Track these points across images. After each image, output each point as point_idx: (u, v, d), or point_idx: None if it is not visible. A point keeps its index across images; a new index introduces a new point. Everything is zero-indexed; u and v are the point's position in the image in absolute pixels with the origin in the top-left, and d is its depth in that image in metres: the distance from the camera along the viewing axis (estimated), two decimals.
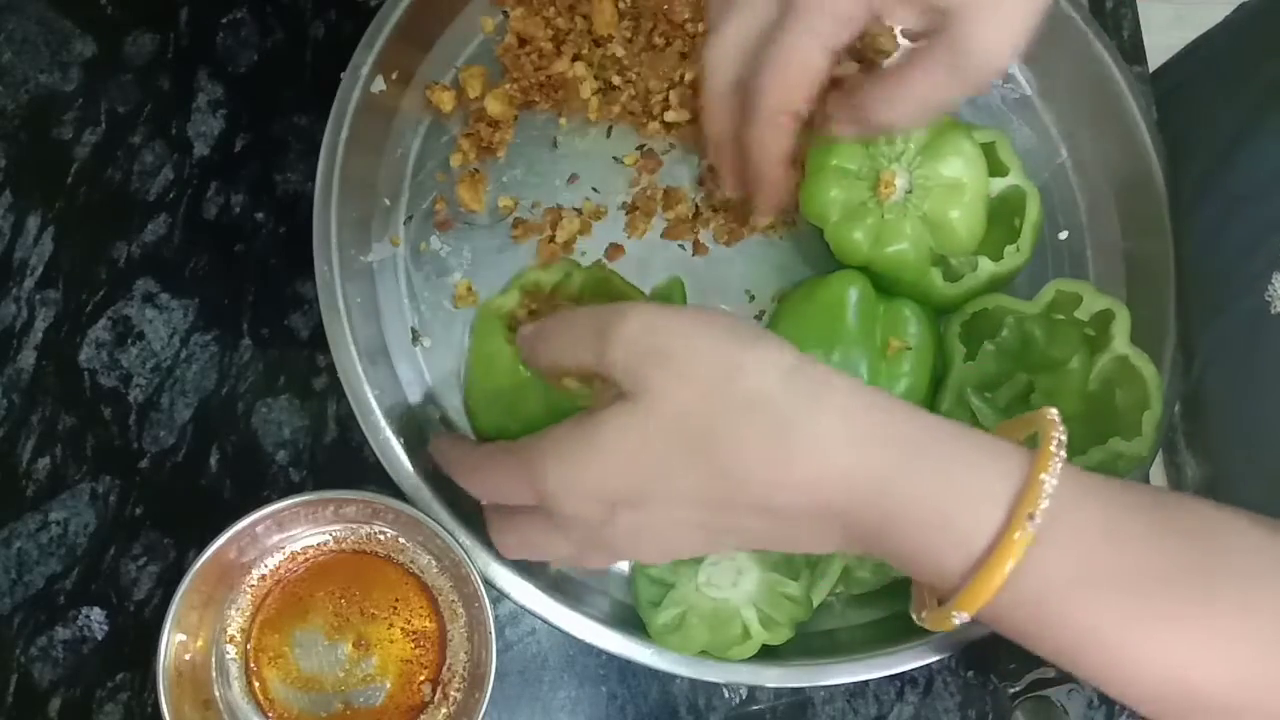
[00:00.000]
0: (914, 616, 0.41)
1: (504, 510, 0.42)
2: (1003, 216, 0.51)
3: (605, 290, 0.52)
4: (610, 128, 0.56)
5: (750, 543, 0.38)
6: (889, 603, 0.53)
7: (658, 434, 0.35)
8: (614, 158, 0.56)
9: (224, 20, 0.58)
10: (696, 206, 0.55)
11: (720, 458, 0.35)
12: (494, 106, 0.54)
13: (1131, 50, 0.61)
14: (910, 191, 0.49)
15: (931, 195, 0.49)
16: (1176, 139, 0.55)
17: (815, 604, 0.50)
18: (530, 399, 0.48)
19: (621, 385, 0.36)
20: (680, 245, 0.55)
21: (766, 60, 0.43)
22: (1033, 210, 0.51)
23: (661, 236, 0.55)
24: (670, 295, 0.54)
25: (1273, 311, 0.48)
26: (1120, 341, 0.50)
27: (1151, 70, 0.63)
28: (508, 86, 0.54)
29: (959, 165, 0.49)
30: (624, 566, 0.53)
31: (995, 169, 0.50)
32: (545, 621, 0.49)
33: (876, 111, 0.44)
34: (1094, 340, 0.52)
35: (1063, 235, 0.57)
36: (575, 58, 0.55)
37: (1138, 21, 0.62)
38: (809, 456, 0.35)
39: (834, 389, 0.36)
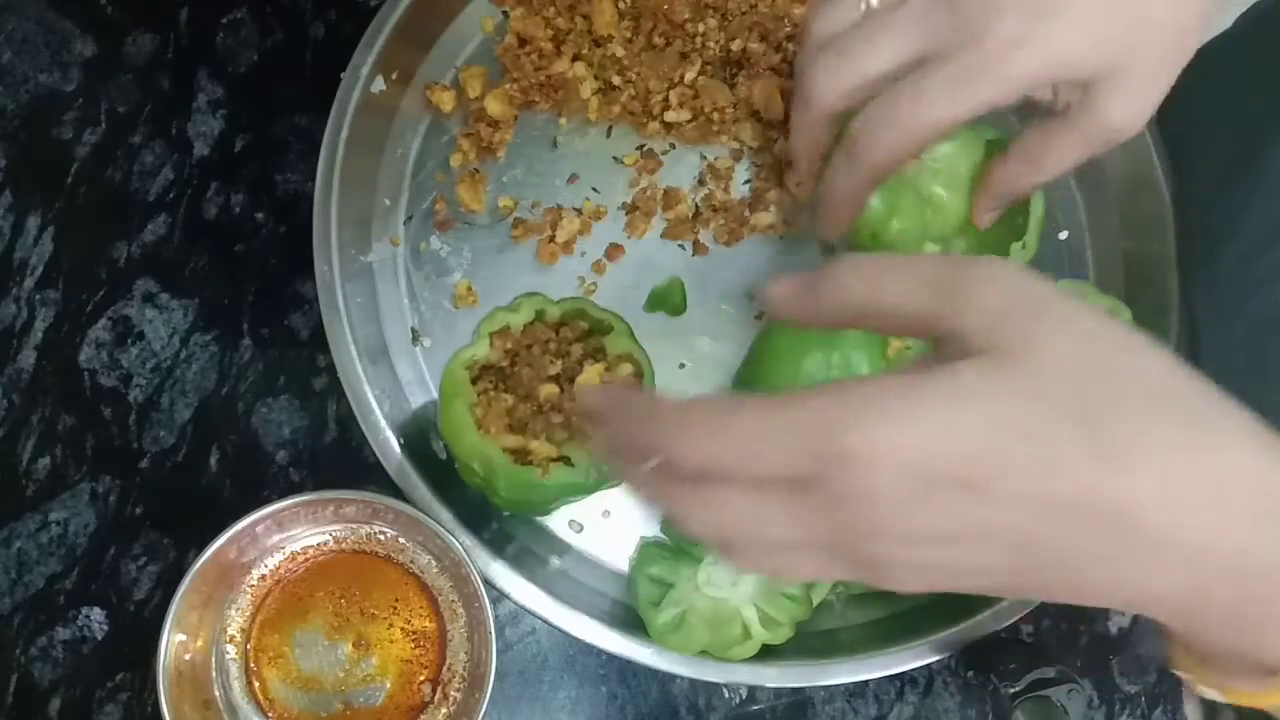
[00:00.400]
0: (1183, 674, 0.36)
1: (708, 482, 0.31)
2: (1007, 215, 0.51)
3: (583, 319, 0.52)
4: (610, 128, 0.56)
5: (1054, 585, 0.29)
6: (889, 603, 0.53)
7: (1042, 398, 0.27)
8: (614, 158, 0.56)
9: (224, 20, 0.58)
10: (696, 206, 0.55)
11: (1118, 437, 0.27)
12: (494, 106, 0.54)
13: None
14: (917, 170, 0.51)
15: (928, 173, 0.51)
16: (1184, 145, 0.55)
17: (815, 603, 0.50)
18: (495, 462, 0.47)
19: (981, 339, 0.29)
20: (680, 245, 0.55)
21: (901, 110, 0.40)
22: (1038, 207, 0.51)
23: (661, 237, 0.55)
24: (670, 295, 0.54)
25: None
26: None
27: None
28: (508, 86, 0.54)
29: (952, 146, 0.51)
30: (624, 566, 0.53)
31: None
32: (545, 621, 0.49)
33: (1020, 181, 0.46)
34: None
35: (1063, 235, 0.57)
36: (575, 58, 0.55)
37: None
38: (1229, 471, 0.27)
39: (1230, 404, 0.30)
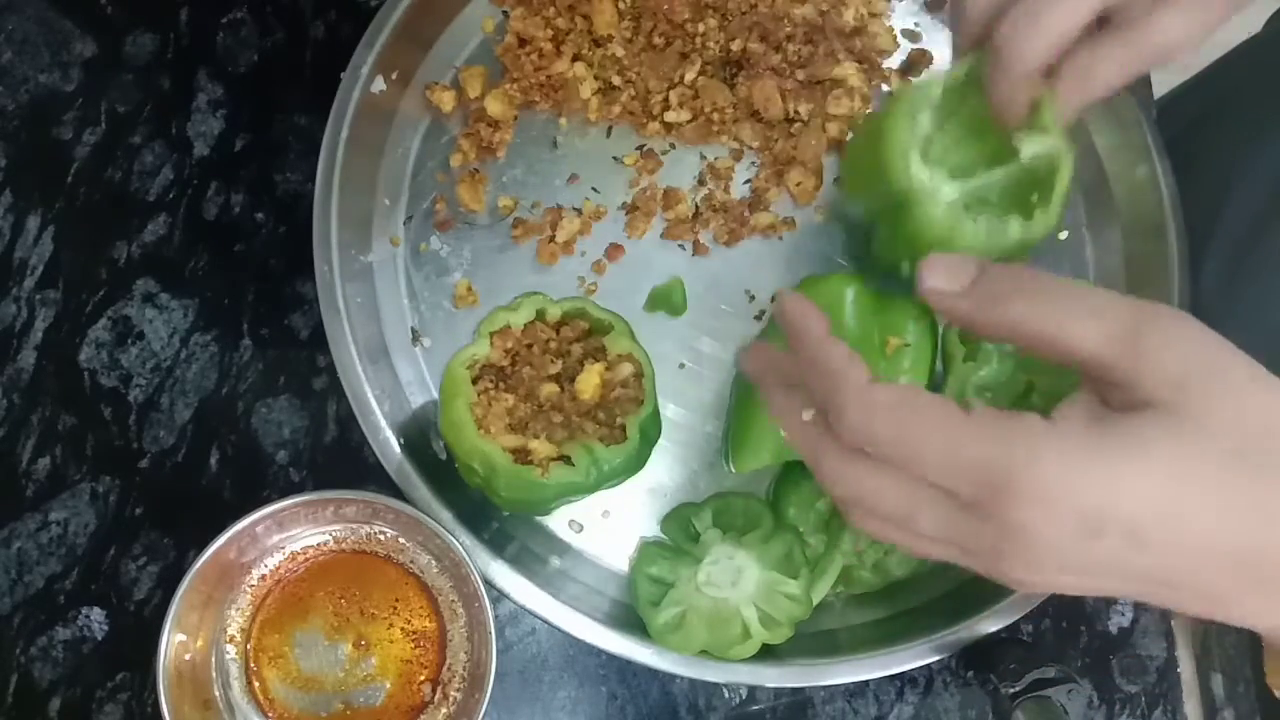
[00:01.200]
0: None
1: (862, 456, 0.33)
2: (1024, 187, 0.47)
3: (583, 319, 0.52)
4: (610, 128, 0.56)
5: (1189, 605, 0.31)
6: (889, 603, 0.53)
7: (1212, 461, 0.29)
8: (614, 158, 0.56)
9: (224, 20, 0.58)
10: (696, 206, 0.55)
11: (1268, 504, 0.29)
12: (494, 106, 0.54)
13: None
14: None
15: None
16: (1181, 145, 0.55)
17: (815, 603, 0.50)
18: (495, 461, 0.47)
19: (1152, 393, 0.30)
20: (680, 245, 0.55)
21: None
22: (1065, 174, 0.46)
23: (661, 237, 0.55)
24: (670, 295, 0.54)
25: None
26: None
27: (1157, 97, 0.63)
28: (508, 86, 0.54)
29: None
30: (624, 566, 0.53)
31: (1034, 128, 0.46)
32: (545, 621, 0.49)
33: (1070, 99, 0.42)
34: None
35: (1063, 235, 0.57)
36: (575, 58, 0.55)
37: None
38: None
39: None
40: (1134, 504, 0.29)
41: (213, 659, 0.49)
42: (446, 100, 0.54)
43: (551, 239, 0.54)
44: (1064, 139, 0.45)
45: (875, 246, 0.50)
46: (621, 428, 0.49)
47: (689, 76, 0.54)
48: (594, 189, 0.55)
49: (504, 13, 0.55)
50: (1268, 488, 0.29)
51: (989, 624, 0.50)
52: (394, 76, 0.53)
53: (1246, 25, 0.67)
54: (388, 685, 0.50)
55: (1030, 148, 0.45)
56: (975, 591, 0.52)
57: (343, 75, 0.52)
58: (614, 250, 0.55)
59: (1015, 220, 0.45)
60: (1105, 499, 0.29)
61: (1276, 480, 0.29)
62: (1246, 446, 0.29)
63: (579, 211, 0.55)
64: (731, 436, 0.52)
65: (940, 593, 0.53)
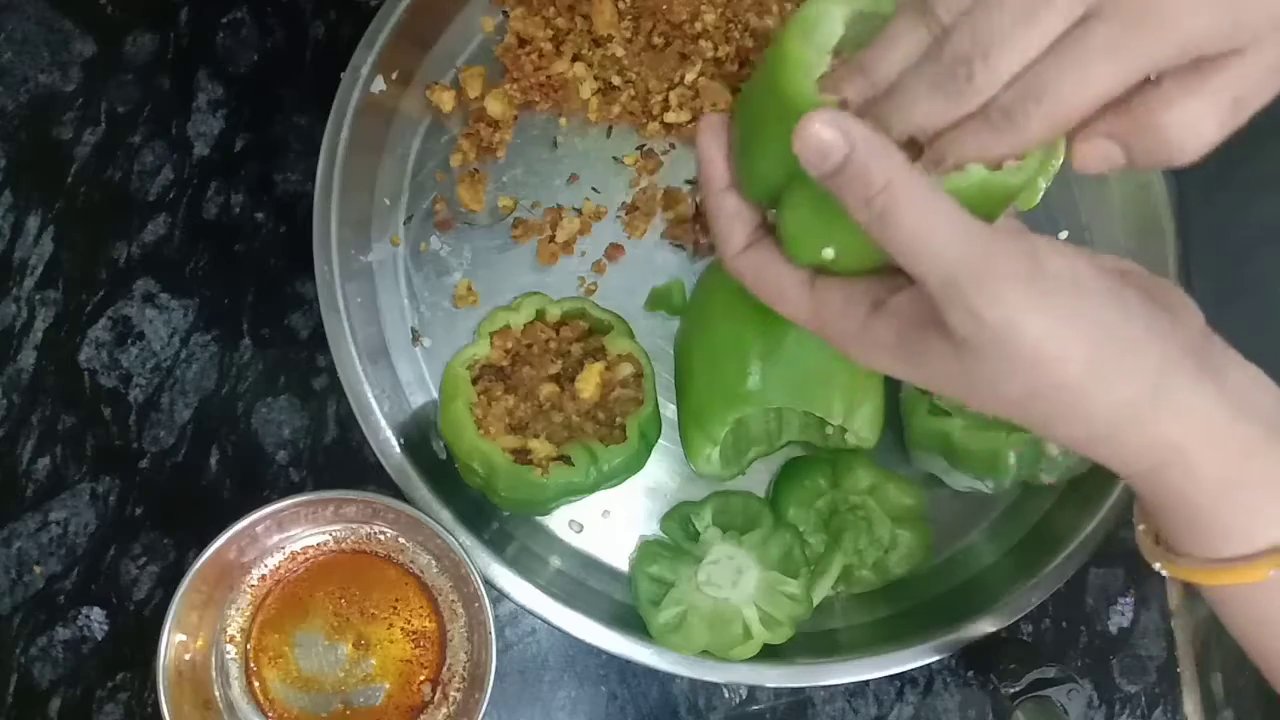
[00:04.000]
0: (1146, 552, 0.40)
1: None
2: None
3: (583, 319, 0.52)
4: (610, 128, 0.56)
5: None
6: (889, 602, 0.53)
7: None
8: (614, 158, 0.56)
9: (224, 20, 0.58)
10: (696, 207, 0.55)
11: None
12: (494, 106, 0.54)
13: None
14: None
15: None
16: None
17: (815, 602, 0.50)
18: (495, 461, 0.47)
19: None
20: (680, 245, 0.55)
21: (1065, 76, 0.31)
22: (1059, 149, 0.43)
23: (661, 237, 0.55)
24: (670, 295, 0.54)
25: None
26: None
27: None
28: (508, 86, 0.54)
29: None
30: (624, 566, 0.53)
31: None
32: (545, 621, 0.49)
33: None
34: None
35: (1063, 235, 0.57)
36: (575, 58, 0.55)
37: None
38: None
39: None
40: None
41: (213, 659, 0.49)
42: (446, 100, 0.54)
43: (551, 239, 0.54)
44: None
45: (787, 235, 0.38)
46: (621, 427, 0.49)
47: (689, 77, 0.54)
48: (594, 189, 0.55)
49: (504, 13, 0.55)
50: None
51: (989, 624, 0.50)
52: (394, 76, 0.53)
53: None
54: (387, 685, 0.50)
55: None
56: (976, 591, 0.52)
57: (343, 75, 0.52)
58: (614, 250, 0.55)
59: (976, 166, 0.34)
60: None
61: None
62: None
63: (579, 211, 0.55)
64: (682, 434, 0.53)
65: (940, 592, 0.53)
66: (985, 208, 0.34)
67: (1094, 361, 0.32)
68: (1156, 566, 0.38)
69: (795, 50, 0.34)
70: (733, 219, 0.39)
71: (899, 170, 0.31)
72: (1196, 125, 0.33)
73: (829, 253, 0.37)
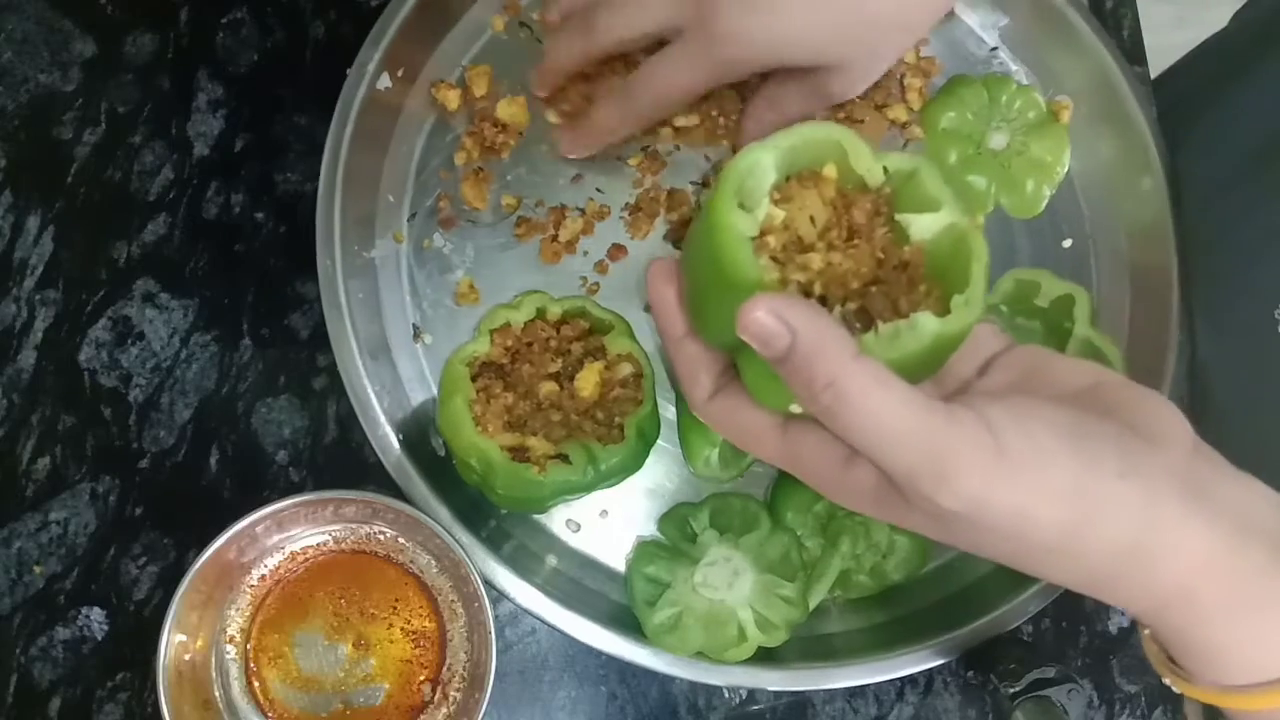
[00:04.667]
0: (1158, 667, 0.39)
1: None
2: (931, 271, 0.36)
3: (584, 318, 0.52)
4: None
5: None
6: (886, 608, 0.53)
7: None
8: (617, 158, 0.56)
9: (224, 20, 0.58)
10: (700, 208, 0.55)
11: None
12: (505, 111, 0.54)
13: (1132, 50, 0.61)
14: (1006, 149, 0.56)
15: (1019, 160, 0.56)
16: (1179, 148, 0.55)
17: (811, 606, 0.50)
18: (493, 459, 0.47)
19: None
20: (682, 246, 0.55)
21: (655, 78, 0.49)
22: (980, 251, 0.35)
23: (664, 238, 0.55)
24: None
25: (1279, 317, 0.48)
26: (1081, 326, 0.52)
27: (1154, 76, 0.63)
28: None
29: (1049, 146, 0.56)
30: (621, 565, 0.53)
31: (923, 204, 0.36)
32: (541, 620, 0.49)
33: (765, 122, 0.52)
34: (1053, 330, 0.54)
35: (1066, 244, 0.57)
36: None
37: (1138, 21, 0.62)
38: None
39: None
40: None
41: (213, 659, 0.49)
42: (452, 98, 0.54)
43: (554, 238, 0.54)
44: (960, 211, 0.35)
45: (750, 388, 0.38)
46: (620, 427, 0.49)
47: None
48: (598, 189, 0.55)
49: (522, 23, 0.55)
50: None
51: (986, 630, 0.50)
52: (400, 74, 0.53)
53: (1215, 24, 0.68)
54: (387, 685, 0.50)
55: (921, 227, 0.36)
56: (972, 599, 0.52)
57: (348, 71, 0.52)
58: (616, 250, 0.55)
59: (925, 316, 0.33)
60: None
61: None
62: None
63: (582, 211, 0.55)
64: (681, 436, 0.53)
65: (937, 599, 0.53)
66: (944, 353, 0.35)
67: (1071, 523, 0.32)
68: (1168, 682, 0.37)
69: (727, 214, 0.34)
70: (696, 366, 0.39)
71: (843, 365, 0.31)
72: (787, 102, 0.51)
73: (795, 409, 0.36)
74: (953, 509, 0.31)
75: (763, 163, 0.35)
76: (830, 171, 0.36)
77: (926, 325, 0.33)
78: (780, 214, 0.35)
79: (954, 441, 0.31)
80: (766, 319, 0.31)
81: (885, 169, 0.36)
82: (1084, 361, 0.38)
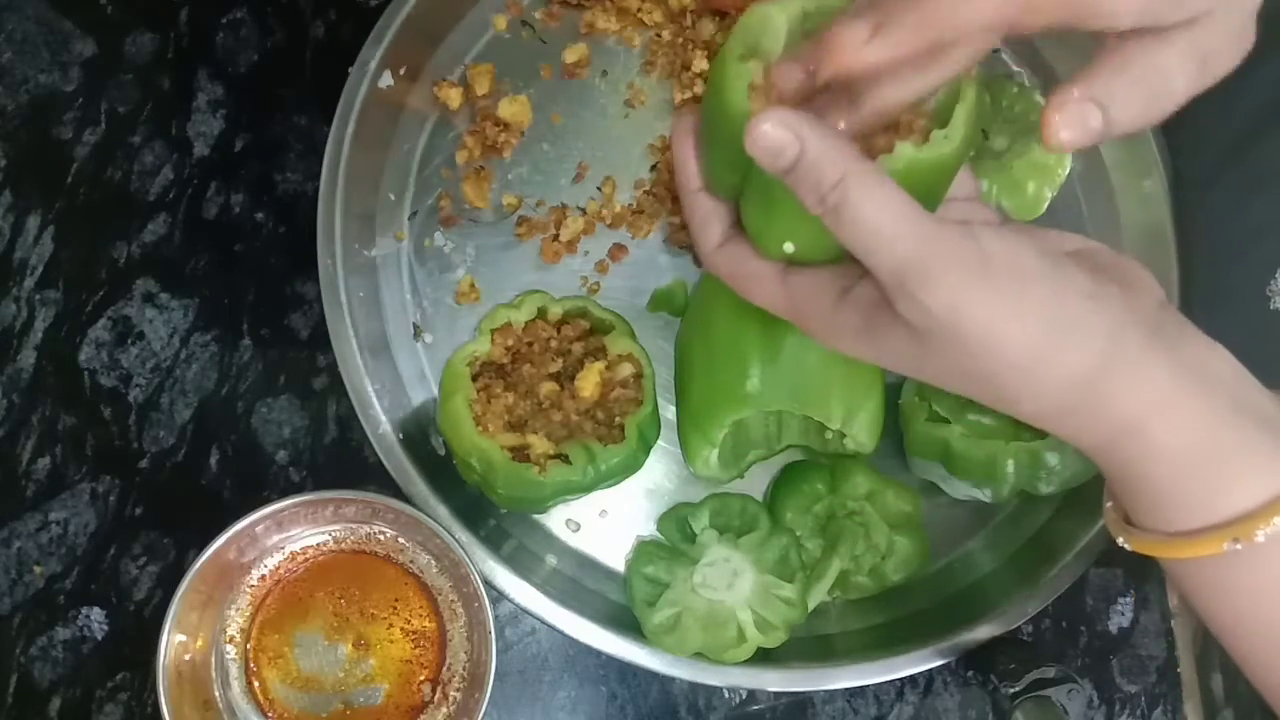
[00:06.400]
0: (1111, 527, 0.40)
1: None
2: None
3: (584, 318, 0.52)
4: (627, 114, 0.55)
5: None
6: (885, 609, 0.53)
7: None
8: (620, 157, 0.55)
9: (224, 20, 0.58)
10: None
11: None
12: (507, 110, 0.54)
13: None
14: (1007, 150, 0.54)
15: (1020, 162, 0.54)
16: (1181, 133, 0.55)
17: (810, 607, 0.50)
18: (493, 459, 0.47)
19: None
20: (684, 247, 0.55)
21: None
22: (967, 96, 0.36)
23: (665, 241, 0.55)
24: (673, 297, 0.54)
25: (1272, 307, 0.49)
26: None
27: None
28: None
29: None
30: (620, 566, 0.53)
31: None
32: (540, 620, 0.49)
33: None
34: None
35: None
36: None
37: None
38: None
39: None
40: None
41: (213, 659, 0.49)
42: (454, 97, 0.54)
43: (555, 238, 0.54)
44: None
45: (751, 232, 0.41)
46: (620, 427, 0.49)
47: (698, 88, 0.54)
48: (599, 189, 0.55)
49: (524, 22, 0.56)
50: None
51: (986, 631, 0.50)
52: (402, 72, 0.53)
53: None
54: (387, 685, 0.50)
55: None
56: (972, 599, 0.52)
57: (350, 70, 0.52)
58: (617, 250, 0.55)
59: (904, 146, 0.35)
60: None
61: None
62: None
63: (583, 211, 0.55)
64: (681, 436, 0.53)
65: (937, 599, 0.53)
66: (925, 187, 0.36)
67: (1039, 340, 0.33)
68: (1120, 541, 0.39)
69: (734, 64, 0.36)
70: (707, 218, 0.41)
71: (852, 164, 0.32)
72: (1168, 75, 0.34)
73: (789, 247, 0.38)
74: (933, 309, 0.33)
75: (774, 19, 0.37)
76: None
77: (904, 151, 0.35)
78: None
79: (944, 245, 0.33)
80: (775, 130, 0.32)
81: None
82: (1071, 234, 0.39)
